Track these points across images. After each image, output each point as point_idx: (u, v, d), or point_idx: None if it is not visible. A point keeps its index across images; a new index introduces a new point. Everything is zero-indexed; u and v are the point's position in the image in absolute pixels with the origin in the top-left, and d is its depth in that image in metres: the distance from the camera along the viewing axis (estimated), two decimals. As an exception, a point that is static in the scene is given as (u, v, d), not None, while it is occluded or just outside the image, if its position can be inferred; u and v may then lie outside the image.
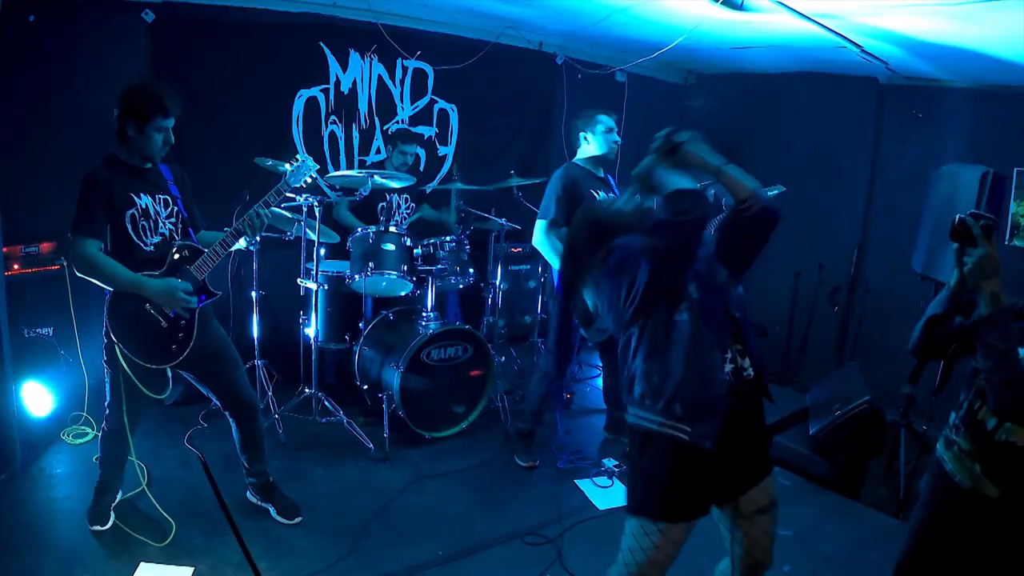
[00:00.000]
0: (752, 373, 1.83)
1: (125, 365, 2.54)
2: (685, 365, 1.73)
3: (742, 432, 1.81)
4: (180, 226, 2.66)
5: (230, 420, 2.88)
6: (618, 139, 3.44)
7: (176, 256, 2.58)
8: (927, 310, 1.90)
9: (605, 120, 3.38)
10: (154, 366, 2.58)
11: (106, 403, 2.69)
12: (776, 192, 3.98)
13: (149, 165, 2.60)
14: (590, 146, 3.41)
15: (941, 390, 2.73)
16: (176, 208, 2.65)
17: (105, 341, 2.58)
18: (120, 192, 2.48)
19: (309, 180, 2.86)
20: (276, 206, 2.77)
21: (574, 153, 3.54)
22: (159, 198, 2.60)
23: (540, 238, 3.30)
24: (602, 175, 3.48)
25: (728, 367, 1.78)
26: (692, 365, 1.73)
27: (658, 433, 1.77)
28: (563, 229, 3.33)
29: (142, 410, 2.74)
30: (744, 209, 1.77)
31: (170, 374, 2.69)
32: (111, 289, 2.50)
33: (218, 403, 2.86)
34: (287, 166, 2.86)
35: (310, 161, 2.88)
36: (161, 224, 2.59)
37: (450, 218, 4.65)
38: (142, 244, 2.54)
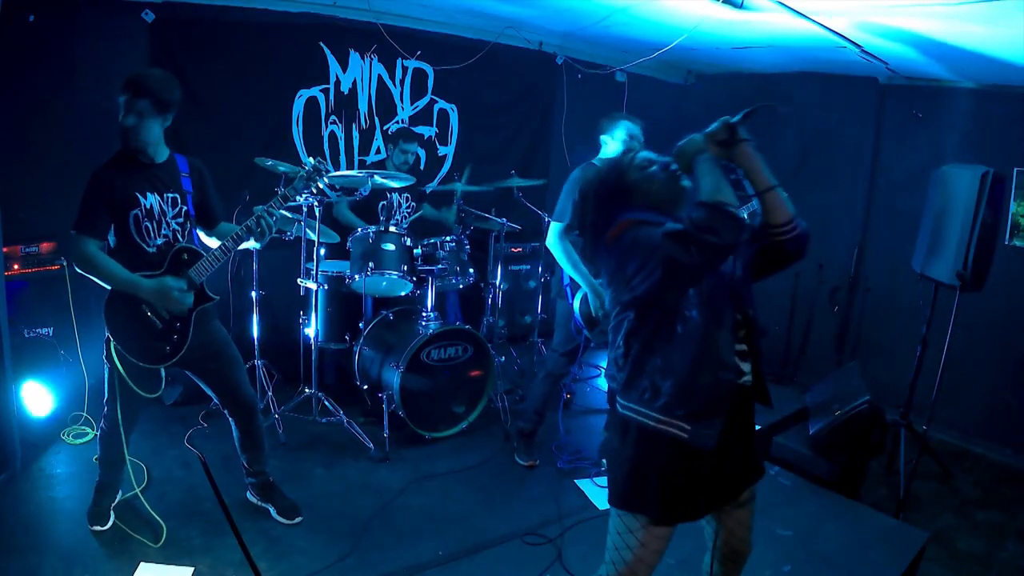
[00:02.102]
0: (750, 379, 1.78)
1: (118, 362, 2.54)
2: (692, 363, 1.67)
3: (738, 435, 1.77)
4: (188, 225, 2.63)
5: (230, 419, 2.88)
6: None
7: (176, 259, 2.56)
8: None
9: (629, 127, 3.34)
10: (147, 366, 2.57)
11: (104, 399, 2.69)
12: None
13: (160, 160, 2.56)
14: (609, 148, 3.40)
15: None
16: (185, 207, 2.61)
17: (105, 336, 2.57)
18: (124, 191, 2.46)
19: (317, 189, 2.81)
20: (279, 209, 2.74)
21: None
22: (167, 196, 2.56)
23: (554, 241, 3.29)
24: None
25: (731, 369, 1.73)
26: (698, 363, 1.67)
27: (655, 429, 1.71)
28: (576, 233, 3.33)
29: (140, 409, 2.73)
30: (779, 233, 1.71)
31: (163, 374, 2.67)
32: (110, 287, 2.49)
33: (218, 402, 2.86)
34: (302, 169, 2.77)
35: (324, 164, 2.77)
36: (165, 225, 2.56)
37: (450, 217, 4.64)
38: (144, 246, 2.52)
